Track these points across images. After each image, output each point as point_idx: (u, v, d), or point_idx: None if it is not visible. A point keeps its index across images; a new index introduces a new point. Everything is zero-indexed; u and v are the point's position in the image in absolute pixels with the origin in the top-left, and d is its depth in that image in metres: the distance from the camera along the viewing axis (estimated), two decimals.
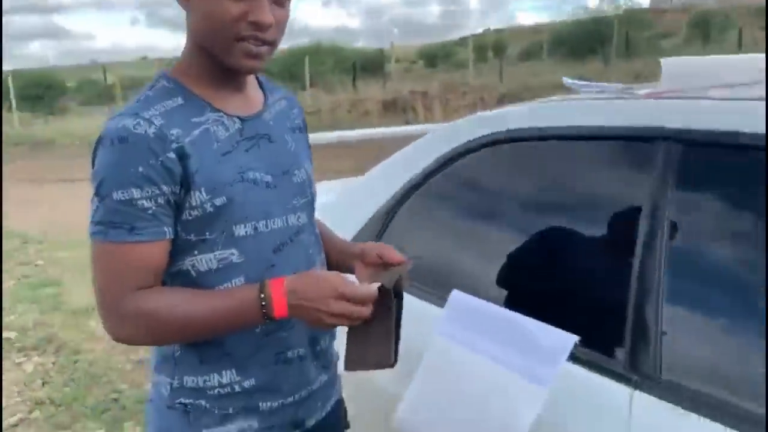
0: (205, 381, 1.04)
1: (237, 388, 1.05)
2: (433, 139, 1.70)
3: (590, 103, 1.41)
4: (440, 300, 1.42)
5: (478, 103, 13.10)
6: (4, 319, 3.97)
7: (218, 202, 0.97)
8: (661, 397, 1.06)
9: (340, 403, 1.26)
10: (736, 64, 1.50)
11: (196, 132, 0.98)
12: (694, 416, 1.01)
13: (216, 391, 1.05)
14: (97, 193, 0.95)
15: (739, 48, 20.38)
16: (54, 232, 6.17)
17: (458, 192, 1.63)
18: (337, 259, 1.21)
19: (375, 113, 12.19)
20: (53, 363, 3.37)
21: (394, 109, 13.25)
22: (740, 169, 1.11)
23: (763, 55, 1.46)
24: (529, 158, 1.48)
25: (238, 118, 1.03)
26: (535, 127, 1.42)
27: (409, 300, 1.53)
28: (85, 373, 3.20)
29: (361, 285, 1.01)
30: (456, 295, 1.38)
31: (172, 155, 0.94)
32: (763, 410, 0.96)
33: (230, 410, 1.06)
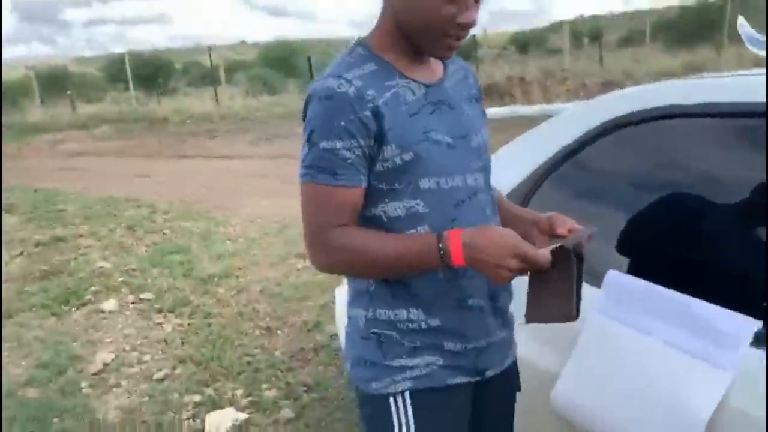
0: (396, 315, 1.18)
1: (423, 325, 1.18)
2: (570, 118, 1.70)
3: (747, 80, 1.39)
4: (590, 278, 1.46)
5: (579, 89, 12.71)
6: (139, 283, 4.35)
7: (407, 157, 1.10)
8: None
9: (515, 363, 1.36)
10: None
11: (388, 94, 1.10)
12: None
13: (405, 325, 1.18)
14: (308, 141, 1.10)
15: None
16: (177, 204, 6.63)
17: (608, 170, 1.64)
18: (512, 223, 1.28)
19: None
20: (189, 324, 3.67)
21: (490, 95, 13.10)
22: None
23: None
24: (690, 136, 1.46)
25: (423, 84, 1.15)
26: (699, 103, 1.41)
27: None
28: (219, 336, 3.46)
29: (538, 249, 1.09)
30: (613, 274, 1.42)
31: (368, 113, 1.07)
32: None
33: (418, 343, 1.18)
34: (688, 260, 1.45)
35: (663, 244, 1.50)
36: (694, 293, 1.28)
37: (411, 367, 1.18)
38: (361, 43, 1.16)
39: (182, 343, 3.44)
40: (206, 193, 7.14)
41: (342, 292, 2.25)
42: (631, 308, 1.37)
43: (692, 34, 22.07)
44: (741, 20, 1.58)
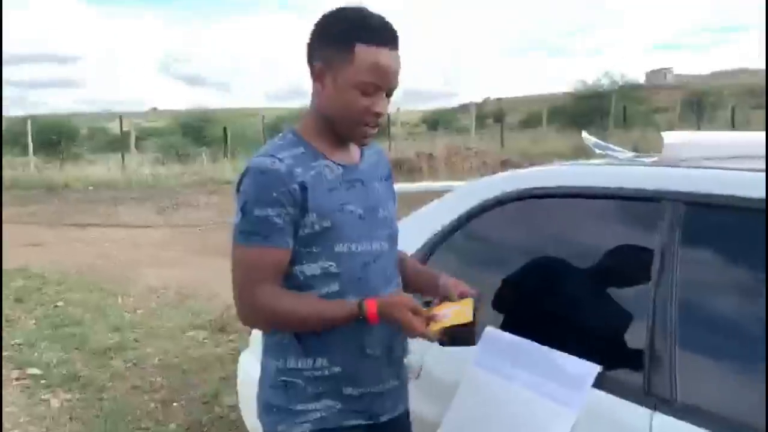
0: (305, 363, 1.34)
1: (327, 372, 1.34)
2: (463, 193, 1.91)
3: (607, 168, 1.65)
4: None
5: (480, 167, 13.49)
6: (25, 358, 4.08)
7: (325, 224, 1.30)
8: (677, 417, 1.24)
9: (408, 414, 1.50)
10: (731, 139, 1.75)
11: (312, 172, 1.31)
12: None
13: (312, 373, 1.34)
14: (242, 209, 1.28)
15: (732, 125, 21.09)
16: (72, 274, 6.32)
17: (488, 241, 1.84)
18: (415, 280, 1.51)
19: None
20: (78, 399, 3.48)
21: (400, 170, 13.63)
22: (735, 227, 1.33)
23: (759, 134, 1.72)
24: (555, 213, 1.69)
25: (341, 166, 1.36)
26: (560, 186, 1.65)
27: None
28: (111, 411, 3.30)
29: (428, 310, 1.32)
30: (490, 330, 1.57)
31: (296, 186, 1.27)
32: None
33: (320, 389, 1.34)
34: (554, 316, 1.63)
35: (533, 302, 1.67)
36: (556, 344, 1.44)
37: (311, 411, 1.34)
38: (291, 130, 1.38)
39: (70, 419, 3.25)
40: (103, 263, 6.86)
41: (247, 357, 2.28)
42: (501, 359, 1.52)
43: (582, 118, 24.18)
44: (584, 134, 1.90)
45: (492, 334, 1.58)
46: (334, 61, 1.27)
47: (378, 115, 1.31)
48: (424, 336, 1.28)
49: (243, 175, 1.30)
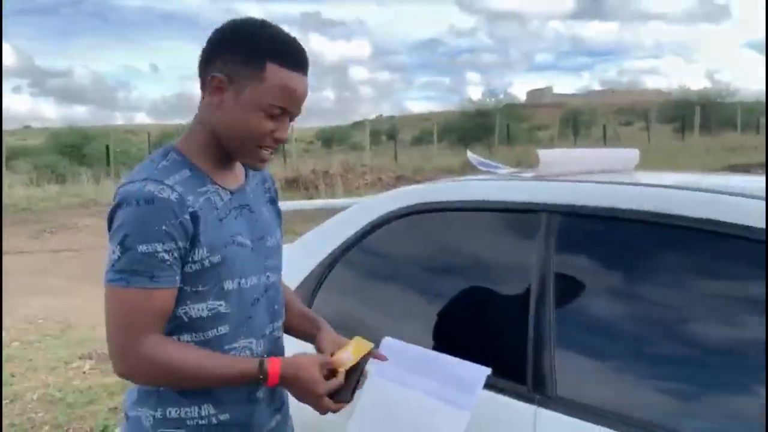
0: (186, 412, 1.20)
1: (214, 420, 1.21)
2: (361, 209, 1.98)
3: (491, 183, 1.77)
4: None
5: (376, 183, 13.73)
6: None
7: (215, 259, 1.17)
8: (558, 411, 1.36)
9: None
10: (598, 154, 1.94)
11: (201, 200, 1.18)
12: (587, 424, 1.31)
13: (195, 422, 1.20)
14: (120, 245, 1.10)
15: (604, 141, 22.97)
16: None
17: (386, 255, 1.91)
18: (299, 323, 1.42)
19: (279, 190, 12.46)
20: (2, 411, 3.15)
21: (296, 186, 13.56)
22: (608, 236, 1.48)
23: (622, 150, 1.93)
24: (445, 226, 1.79)
25: (229, 190, 1.24)
26: (450, 200, 1.75)
27: None
28: None
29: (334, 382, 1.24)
30: (387, 340, 1.63)
31: (187, 217, 1.13)
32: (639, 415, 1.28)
33: None
34: (447, 324, 1.72)
35: (428, 311, 1.75)
36: (451, 350, 1.53)
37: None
38: (173, 148, 1.22)
39: None
40: None
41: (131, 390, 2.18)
42: (400, 368, 1.58)
43: (470, 136, 25.33)
44: (469, 153, 2.01)
45: (390, 343, 1.63)
46: (240, 76, 1.14)
47: (279, 141, 1.20)
48: (334, 410, 1.23)
49: (117, 206, 1.12)
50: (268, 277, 1.29)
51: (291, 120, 1.22)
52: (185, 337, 1.19)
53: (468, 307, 1.70)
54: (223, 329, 1.20)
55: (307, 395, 1.20)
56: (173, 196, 1.12)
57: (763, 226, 1.25)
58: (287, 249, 2.10)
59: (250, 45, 1.15)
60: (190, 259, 1.15)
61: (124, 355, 1.13)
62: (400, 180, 14.08)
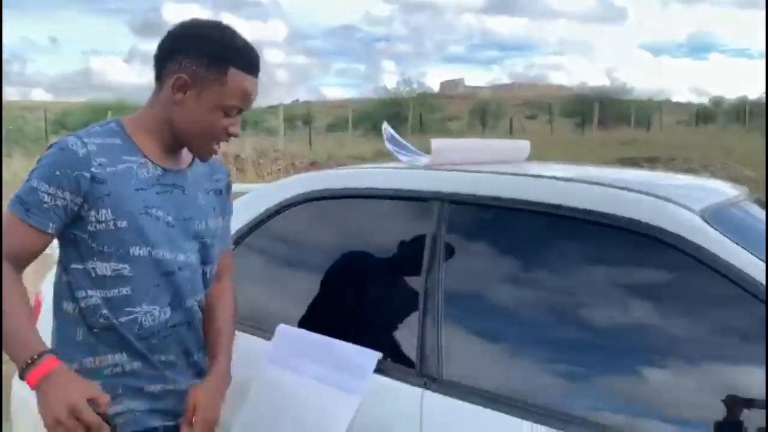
0: (101, 361, 1.28)
1: (126, 368, 1.29)
2: (260, 195, 1.95)
3: (388, 171, 1.79)
4: (267, 334, 1.65)
5: (289, 168, 13.55)
6: None
7: (121, 224, 1.25)
8: (443, 393, 1.41)
9: None
10: (487, 145, 2.01)
11: (122, 166, 1.26)
12: (467, 405, 1.37)
13: (110, 370, 1.28)
14: (29, 176, 1.23)
15: (510, 133, 23.88)
16: None
17: (283, 240, 1.90)
18: (209, 339, 1.43)
19: None
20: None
21: None
22: (494, 223, 1.55)
23: (509, 141, 2.00)
24: (342, 213, 1.80)
25: (162, 167, 1.31)
26: (346, 188, 1.76)
27: (238, 336, 1.75)
28: None
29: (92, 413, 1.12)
30: (282, 327, 1.63)
31: (86, 174, 1.22)
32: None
33: (120, 390, 1.28)
34: (340, 309, 1.74)
35: (322, 298, 1.76)
36: (343, 335, 1.54)
37: (113, 416, 1.18)
38: (116, 120, 1.33)
39: None
40: None
41: (21, 382, 2.05)
42: (293, 354, 1.58)
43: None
44: (385, 125, 2.02)
45: (283, 330, 1.63)
46: (203, 79, 1.26)
47: (231, 135, 1.32)
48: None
49: (48, 147, 1.26)
50: (187, 257, 1.34)
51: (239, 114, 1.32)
52: (90, 292, 1.27)
53: (362, 294, 1.72)
54: (125, 291, 1.27)
55: (59, 399, 1.10)
56: (81, 152, 1.22)
57: (613, 213, 1.35)
58: None
59: (215, 50, 1.26)
60: (94, 219, 1.24)
61: None
62: (313, 166, 13.97)
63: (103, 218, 1.23)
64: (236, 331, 1.70)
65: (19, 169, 14.42)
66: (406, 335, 1.54)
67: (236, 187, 1.65)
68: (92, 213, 1.23)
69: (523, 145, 2.03)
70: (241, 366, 1.66)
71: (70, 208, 1.22)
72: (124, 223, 1.25)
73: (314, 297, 1.78)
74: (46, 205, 1.20)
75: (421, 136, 21.83)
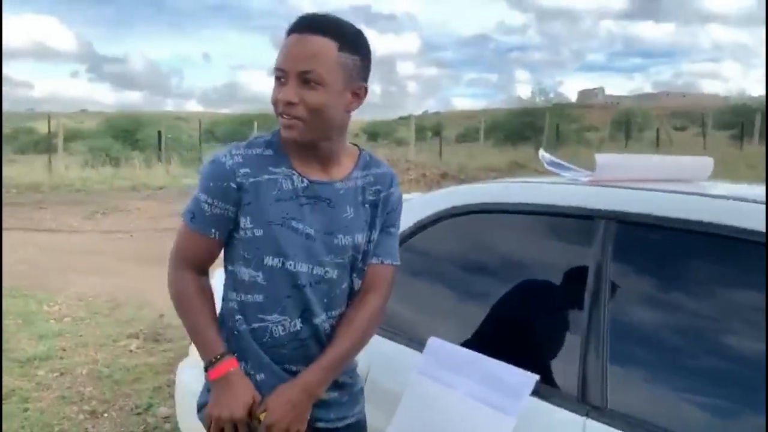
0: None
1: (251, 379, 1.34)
2: (412, 206, 1.96)
3: (548, 186, 1.73)
4: (417, 345, 1.65)
5: (420, 179, 13.68)
6: None
7: (257, 232, 1.29)
8: (607, 423, 1.32)
9: (360, 424, 1.49)
10: (656, 162, 1.86)
11: (266, 176, 1.30)
12: None
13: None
14: (197, 188, 1.33)
15: (657, 145, 22.29)
16: None
17: (435, 254, 1.89)
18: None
19: None
20: (2, 411, 3.29)
21: None
22: (662, 245, 1.43)
23: (680, 157, 1.85)
24: (499, 227, 1.76)
25: (308, 179, 1.32)
26: (504, 202, 1.72)
27: (389, 346, 1.76)
28: (37, 422, 3.14)
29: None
30: (433, 340, 1.62)
31: (233, 185, 1.28)
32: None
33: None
34: (495, 327, 1.70)
35: (476, 314, 1.73)
36: (497, 354, 1.50)
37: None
38: (275, 131, 1.35)
39: None
40: (27, 269, 6.52)
41: (185, 367, 2.24)
42: (444, 368, 1.57)
43: (517, 135, 24.95)
44: (542, 152, 1.93)
45: (435, 343, 1.62)
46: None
47: (285, 103, 1.23)
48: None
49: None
50: (326, 271, 1.32)
51: (307, 83, 1.23)
52: (232, 294, 1.35)
53: (517, 312, 1.67)
54: (259, 298, 1.32)
55: (227, 404, 1.28)
56: (228, 163, 1.29)
57: None
58: None
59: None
60: (241, 225, 1.30)
61: (169, 266, 1.37)
62: (444, 177, 14.01)
63: (245, 226, 1.29)
64: (387, 340, 1.73)
65: (177, 174, 15.94)
66: (565, 360, 1.47)
67: None
68: (241, 220, 1.29)
69: (705, 163, 1.84)
70: (392, 376, 1.68)
71: (228, 216, 1.29)
72: (260, 232, 1.28)
73: (467, 313, 1.75)
74: (207, 214, 1.30)
75: (558, 147, 21.11)
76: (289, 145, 1.31)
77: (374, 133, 42.04)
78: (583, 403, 1.38)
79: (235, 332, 1.34)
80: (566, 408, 1.39)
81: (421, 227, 1.86)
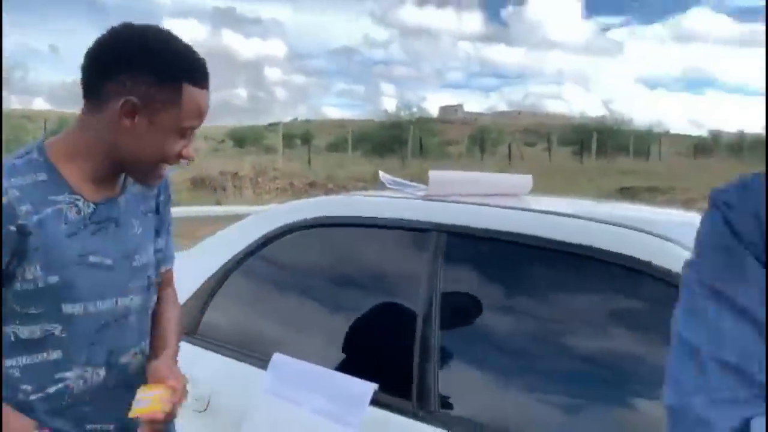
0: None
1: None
2: (259, 220, 1.95)
3: (388, 200, 1.80)
4: (262, 362, 1.64)
5: (288, 188, 13.58)
6: None
7: (51, 280, 1.06)
8: (438, 426, 1.39)
9: None
10: (489, 178, 2.00)
11: (49, 210, 1.06)
12: None
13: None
14: None
15: (509, 159, 24.00)
16: None
17: (281, 267, 1.89)
18: (153, 348, 1.26)
19: (184, 191, 12.00)
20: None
21: (203, 188, 13.15)
22: (485, 255, 1.55)
23: (507, 175, 2.01)
24: (340, 241, 1.81)
25: (92, 202, 1.12)
26: (345, 215, 1.77)
27: (232, 364, 1.73)
28: None
29: None
30: (277, 356, 1.62)
31: (13, 228, 1.02)
32: None
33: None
34: (338, 339, 1.72)
35: (320, 327, 1.76)
36: (341, 366, 1.54)
37: None
38: (39, 146, 1.11)
39: None
40: None
41: None
42: (290, 385, 1.57)
43: (384, 146, 25.65)
44: (381, 174, 2.00)
45: (280, 360, 1.62)
46: (154, 100, 1.07)
47: (186, 158, 1.15)
48: None
49: None
50: (131, 299, 1.18)
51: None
52: (12, 360, 1.09)
53: (358, 324, 1.71)
54: (55, 354, 1.09)
55: None
56: (5, 201, 1.02)
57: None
58: (184, 255, 2.05)
59: (164, 66, 1.08)
60: (20, 277, 1.05)
61: None
62: (312, 186, 14.02)
63: (31, 276, 1.05)
64: (232, 360, 1.70)
65: None
66: (402, 367, 1.54)
67: (235, 209, 1.65)
68: (19, 271, 1.04)
69: (525, 180, 2.01)
70: (236, 397, 1.65)
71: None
72: (55, 278, 1.06)
73: (313, 326, 1.77)
74: None
75: (421, 160, 21.95)
76: (64, 163, 1.09)
77: (241, 138, 41.01)
78: (418, 408, 1.44)
79: (21, 405, 1.09)
80: (402, 414, 1.45)
81: (267, 240, 1.85)
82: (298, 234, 1.81)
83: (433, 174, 1.71)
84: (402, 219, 1.64)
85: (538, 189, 2.03)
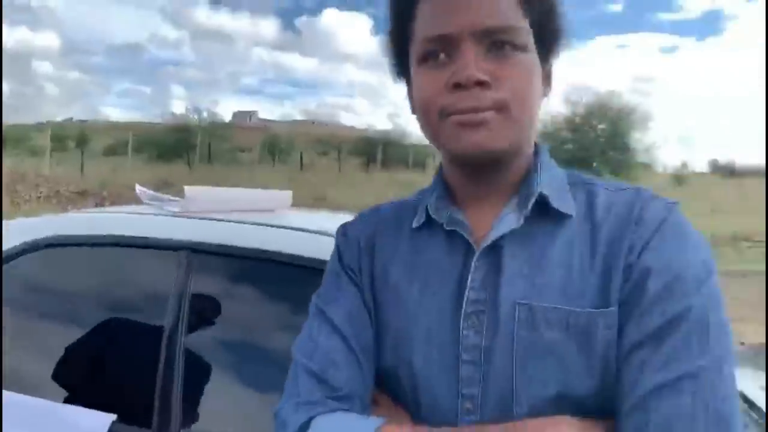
0: None
1: None
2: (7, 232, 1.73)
3: (134, 217, 1.71)
4: None
5: (53, 197, 12.13)
6: None
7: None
8: None
9: None
10: (242, 195, 2.00)
11: None
12: None
13: None
14: None
15: (301, 167, 24.39)
16: None
17: (18, 290, 1.69)
18: None
19: None
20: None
21: None
22: (243, 271, 1.55)
23: (261, 191, 2.04)
24: (83, 261, 1.67)
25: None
26: (88, 234, 1.64)
27: None
28: None
29: None
30: (7, 395, 1.44)
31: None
32: None
33: None
34: (75, 369, 1.59)
35: (52, 357, 1.60)
36: (75, 398, 1.41)
37: None
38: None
39: None
40: None
41: None
42: (20, 425, 1.40)
43: (171, 151, 24.32)
44: (138, 187, 1.90)
45: (9, 398, 1.45)
46: None
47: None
48: None
49: None
50: None
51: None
52: None
53: (100, 351, 1.60)
54: None
55: None
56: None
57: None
58: None
59: None
60: None
61: None
62: (83, 195, 12.71)
63: None
64: None
65: None
66: (146, 392, 1.47)
67: None
68: None
69: (285, 196, 2.04)
70: None
71: None
72: None
73: (47, 356, 1.61)
74: None
75: (210, 166, 21.25)
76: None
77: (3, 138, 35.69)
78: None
79: None
80: None
81: (7, 258, 1.65)
82: (37, 254, 1.65)
83: (189, 190, 1.67)
84: (152, 237, 1.58)
85: (329, 198, 2.08)
